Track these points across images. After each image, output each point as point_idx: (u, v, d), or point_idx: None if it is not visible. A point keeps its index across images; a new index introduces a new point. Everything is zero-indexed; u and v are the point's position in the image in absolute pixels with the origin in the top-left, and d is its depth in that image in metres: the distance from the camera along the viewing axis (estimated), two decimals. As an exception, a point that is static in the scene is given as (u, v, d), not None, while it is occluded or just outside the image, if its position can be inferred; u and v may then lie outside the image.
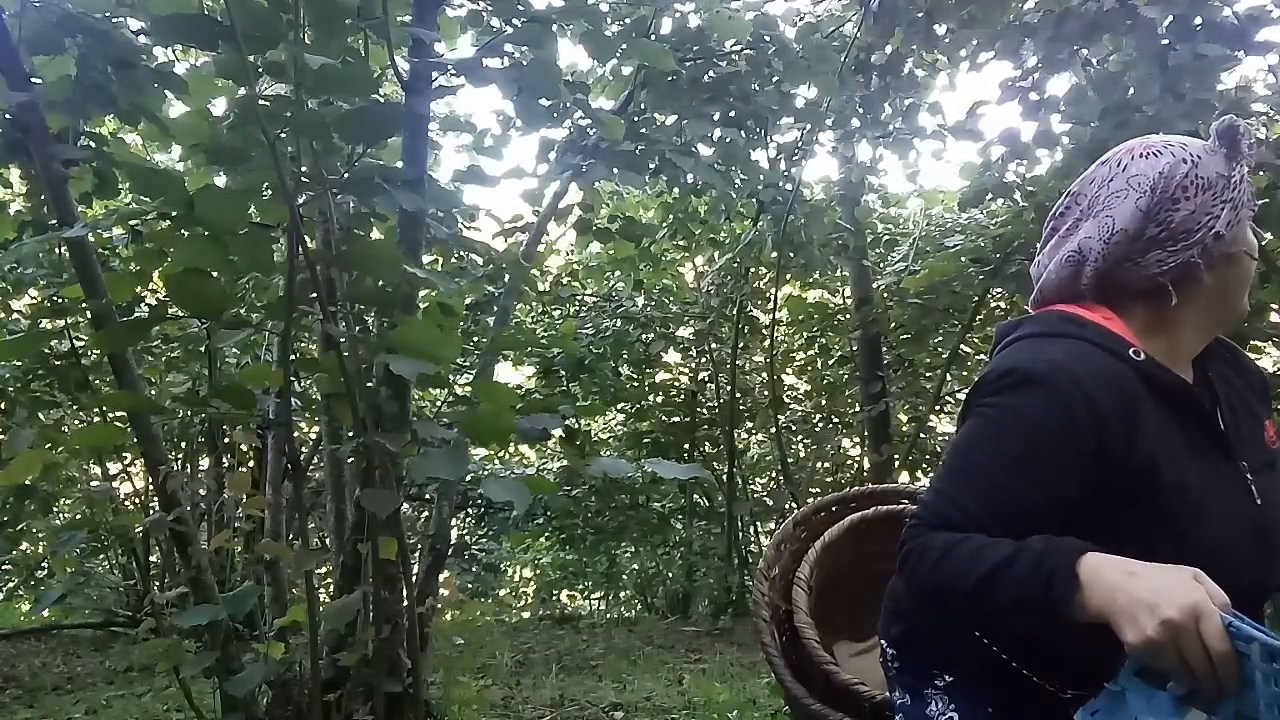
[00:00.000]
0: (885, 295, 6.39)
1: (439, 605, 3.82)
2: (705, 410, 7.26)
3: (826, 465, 7.28)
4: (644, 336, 6.67)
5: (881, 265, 6.80)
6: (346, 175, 2.09)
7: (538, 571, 8.65)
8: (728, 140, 4.55)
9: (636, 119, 4.21)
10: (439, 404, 4.44)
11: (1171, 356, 1.13)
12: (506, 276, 4.03)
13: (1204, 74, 3.49)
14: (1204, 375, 1.18)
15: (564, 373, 6.36)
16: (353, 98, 1.96)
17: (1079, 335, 1.09)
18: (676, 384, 7.35)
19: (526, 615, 7.68)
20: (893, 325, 6.44)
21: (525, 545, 8.49)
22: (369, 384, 2.49)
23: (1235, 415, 1.16)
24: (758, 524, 7.35)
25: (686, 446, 7.09)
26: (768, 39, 4.48)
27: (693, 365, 7.31)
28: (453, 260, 4.03)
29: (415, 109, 2.45)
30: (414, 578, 3.10)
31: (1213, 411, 1.13)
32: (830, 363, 7.36)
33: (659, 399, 7.28)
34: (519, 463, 7.61)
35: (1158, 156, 1.09)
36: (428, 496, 5.16)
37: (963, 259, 5.49)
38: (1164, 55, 3.49)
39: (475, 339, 4.97)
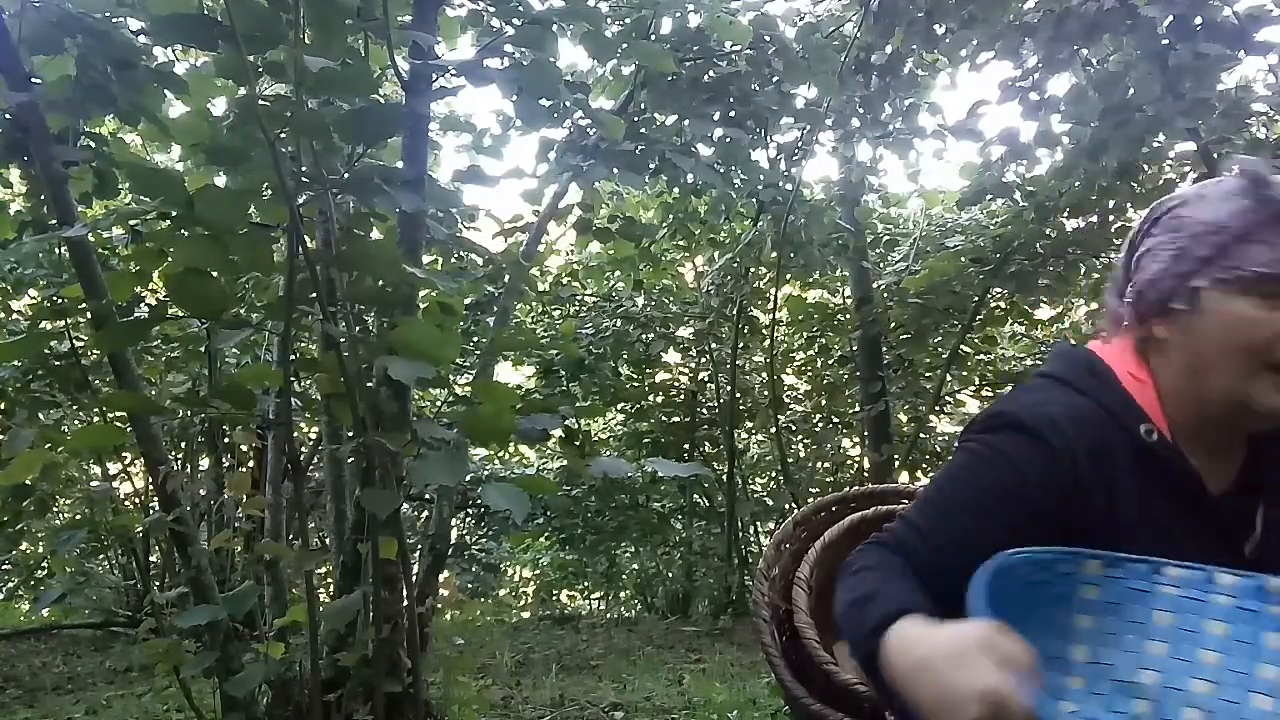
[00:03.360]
0: (885, 295, 6.39)
1: (439, 605, 3.82)
2: (705, 410, 7.26)
3: (826, 465, 7.28)
4: (644, 336, 6.67)
5: (881, 265, 6.80)
6: (346, 175, 2.09)
7: (537, 571, 8.64)
8: (728, 140, 4.55)
9: (636, 119, 4.21)
10: (439, 404, 4.44)
11: (1197, 432, 0.98)
12: (506, 276, 4.03)
13: (1204, 74, 3.49)
14: (1257, 474, 1.00)
15: (564, 373, 6.36)
16: (353, 98, 1.96)
17: (1093, 393, 0.99)
18: (676, 384, 7.35)
19: (526, 615, 7.68)
20: (893, 325, 6.44)
21: (525, 545, 8.48)
22: (369, 384, 2.49)
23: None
24: (758, 524, 7.34)
25: (686, 446, 7.08)
26: (768, 39, 4.48)
27: (693, 365, 7.31)
28: (452, 260, 4.03)
29: (415, 109, 2.44)
30: (414, 578, 3.10)
31: (1237, 524, 0.98)
32: (830, 363, 7.36)
33: (659, 399, 7.27)
34: (519, 463, 7.61)
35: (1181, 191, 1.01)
36: (428, 496, 5.16)
37: (962, 259, 5.49)
38: (1164, 55, 3.49)
39: (475, 339, 4.97)
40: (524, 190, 4.29)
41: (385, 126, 2.10)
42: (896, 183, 13.29)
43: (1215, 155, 3.88)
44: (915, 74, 5.57)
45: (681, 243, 6.68)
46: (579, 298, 6.97)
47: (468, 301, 3.93)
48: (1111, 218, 4.97)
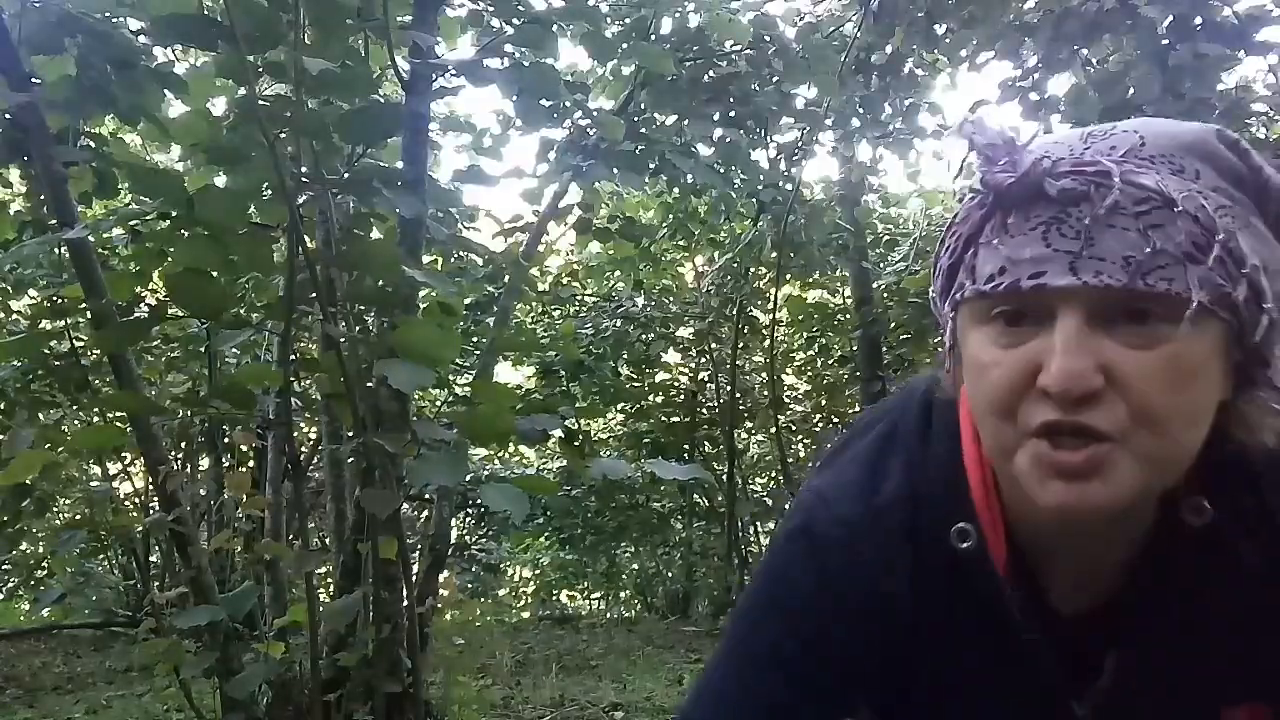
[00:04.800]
0: (885, 295, 6.40)
1: (439, 605, 3.82)
2: (705, 410, 7.26)
3: (826, 466, 7.28)
4: (644, 337, 6.67)
5: (881, 265, 6.80)
6: (346, 175, 2.09)
7: (538, 572, 8.65)
8: (727, 140, 4.55)
9: (636, 119, 4.21)
10: (439, 404, 4.44)
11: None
12: (506, 277, 4.03)
13: (1204, 74, 3.49)
14: (1148, 587, 0.67)
15: (564, 373, 6.36)
16: (352, 98, 1.97)
17: (916, 472, 0.71)
18: (676, 384, 7.35)
19: (526, 615, 7.68)
20: (893, 325, 6.44)
21: (525, 545, 8.49)
22: (369, 384, 2.49)
23: (1149, 686, 0.67)
24: (758, 524, 7.35)
25: (686, 447, 7.09)
26: (767, 39, 4.48)
27: (692, 365, 7.32)
28: (452, 260, 4.03)
29: (415, 109, 2.44)
30: (414, 578, 3.10)
31: (1081, 665, 0.68)
32: (830, 363, 7.36)
33: (659, 399, 7.28)
34: (519, 463, 7.61)
35: None
36: (428, 497, 5.17)
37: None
38: (1164, 55, 3.49)
39: (475, 339, 4.98)
40: (524, 190, 4.29)
41: (385, 127, 2.10)
42: (896, 182, 13.32)
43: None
44: (915, 74, 5.58)
45: (681, 243, 6.69)
46: (579, 298, 6.97)
47: (468, 302, 3.92)
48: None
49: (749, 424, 7.37)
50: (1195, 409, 0.58)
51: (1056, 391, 0.55)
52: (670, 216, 6.13)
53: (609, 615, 7.65)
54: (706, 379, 7.19)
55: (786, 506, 6.29)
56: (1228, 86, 3.92)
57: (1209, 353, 0.57)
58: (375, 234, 2.71)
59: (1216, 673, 0.67)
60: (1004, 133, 0.60)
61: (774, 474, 7.52)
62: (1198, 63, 3.42)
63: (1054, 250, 0.56)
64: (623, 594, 8.17)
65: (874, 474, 0.72)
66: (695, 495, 7.44)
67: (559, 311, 6.96)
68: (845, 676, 0.69)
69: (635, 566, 7.86)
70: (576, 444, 6.48)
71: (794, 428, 7.33)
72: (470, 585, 7.40)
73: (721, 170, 4.69)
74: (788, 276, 6.60)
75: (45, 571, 6.24)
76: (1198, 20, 3.46)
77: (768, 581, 0.74)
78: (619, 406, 7.23)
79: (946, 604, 0.68)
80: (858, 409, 6.72)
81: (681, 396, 7.27)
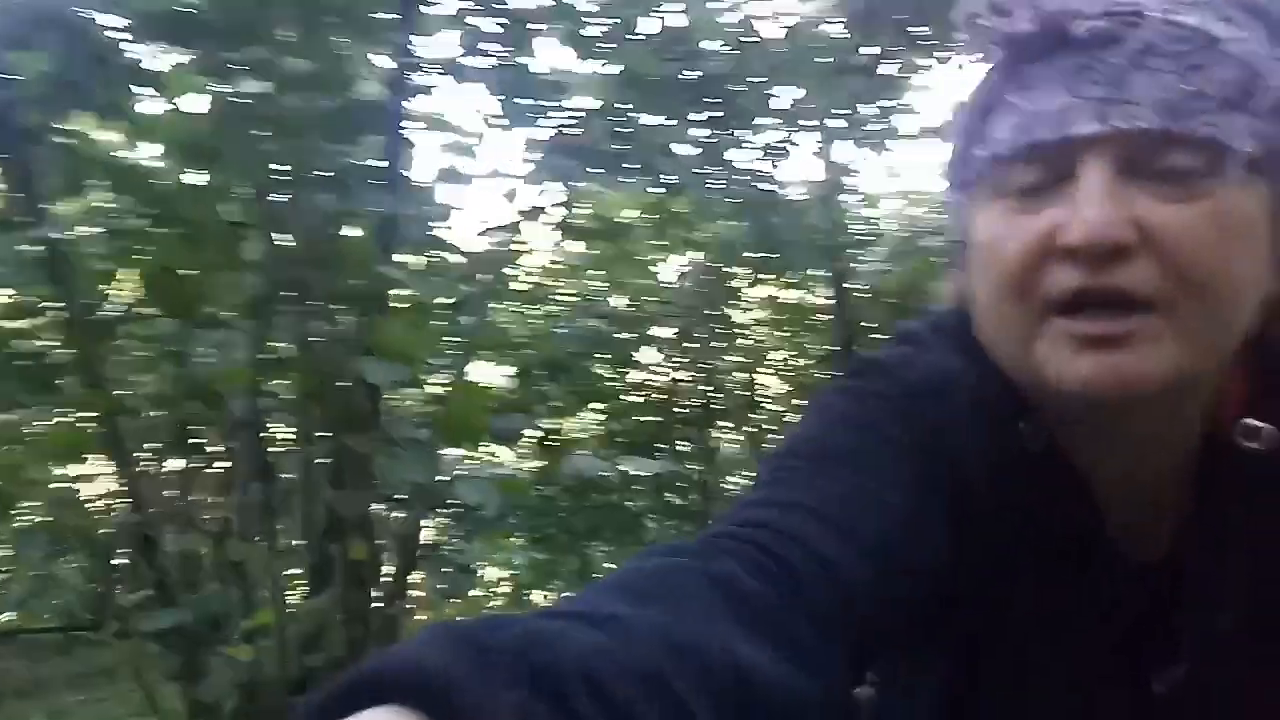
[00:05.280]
0: (863, 296, 6.43)
1: (410, 607, 3.78)
2: (681, 410, 7.27)
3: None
4: (622, 336, 6.66)
5: (859, 266, 6.83)
6: (324, 173, 2.06)
7: (511, 572, 8.61)
8: (709, 140, 4.54)
9: (618, 119, 4.19)
10: (412, 403, 4.40)
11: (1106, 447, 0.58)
12: (484, 276, 4.00)
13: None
14: (1209, 534, 0.59)
15: (540, 372, 6.33)
16: (332, 96, 1.94)
17: (973, 361, 0.61)
18: (652, 384, 7.35)
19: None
20: (869, 326, 6.48)
21: (498, 546, 8.45)
22: (341, 384, 2.46)
23: (1229, 616, 0.59)
24: (731, 523, 7.37)
25: (661, 446, 7.09)
26: (750, 39, 4.48)
27: (669, 365, 7.31)
28: (430, 260, 3.99)
29: (394, 107, 2.41)
30: (385, 579, 3.07)
31: (1153, 627, 0.60)
32: (807, 363, 7.38)
33: (634, 399, 7.27)
34: (493, 463, 7.57)
35: None
36: (399, 497, 5.12)
37: (938, 260, 5.53)
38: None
39: (451, 338, 4.92)
40: (504, 190, 4.26)
41: (364, 124, 2.07)
42: (875, 183, 13.35)
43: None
44: (896, 75, 5.60)
45: (661, 242, 6.67)
46: (557, 297, 6.95)
47: (444, 301, 3.89)
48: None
49: (724, 424, 7.38)
50: (1241, 279, 0.51)
51: (1084, 245, 0.48)
52: (649, 216, 6.12)
53: (583, 615, 7.64)
54: (683, 379, 7.19)
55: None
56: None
57: (1255, 218, 0.50)
58: (352, 232, 2.68)
59: (1273, 637, 0.59)
60: None
61: (749, 474, 7.54)
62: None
63: (1081, 99, 0.49)
64: (596, 593, 8.16)
65: (938, 360, 0.62)
66: (669, 495, 7.44)
67: (536, 311, 6.92)
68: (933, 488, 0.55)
69: (608, 565, 7.85)
70: (551, 443, 6.46)
71: (770, 428, 7.35)
72: (442, 586, 7.35)
73: (702, 170, 4.68)
74: (766, 277, 6.61)
75: (6, 574, 6.11)
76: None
77: (846, 404, 0.62)
78: (594, 406, 7.22)
79: (1021, 509, 0.58)
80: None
81: (657, 396, 7.27)
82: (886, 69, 5.49)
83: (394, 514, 5.76)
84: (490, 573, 9.32)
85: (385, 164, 2.47)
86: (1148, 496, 0.59)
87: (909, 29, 5.28)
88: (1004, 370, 0.57)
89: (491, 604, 8.60)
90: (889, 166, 9.33)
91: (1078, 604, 0.60)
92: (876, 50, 5.27)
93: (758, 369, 7.43)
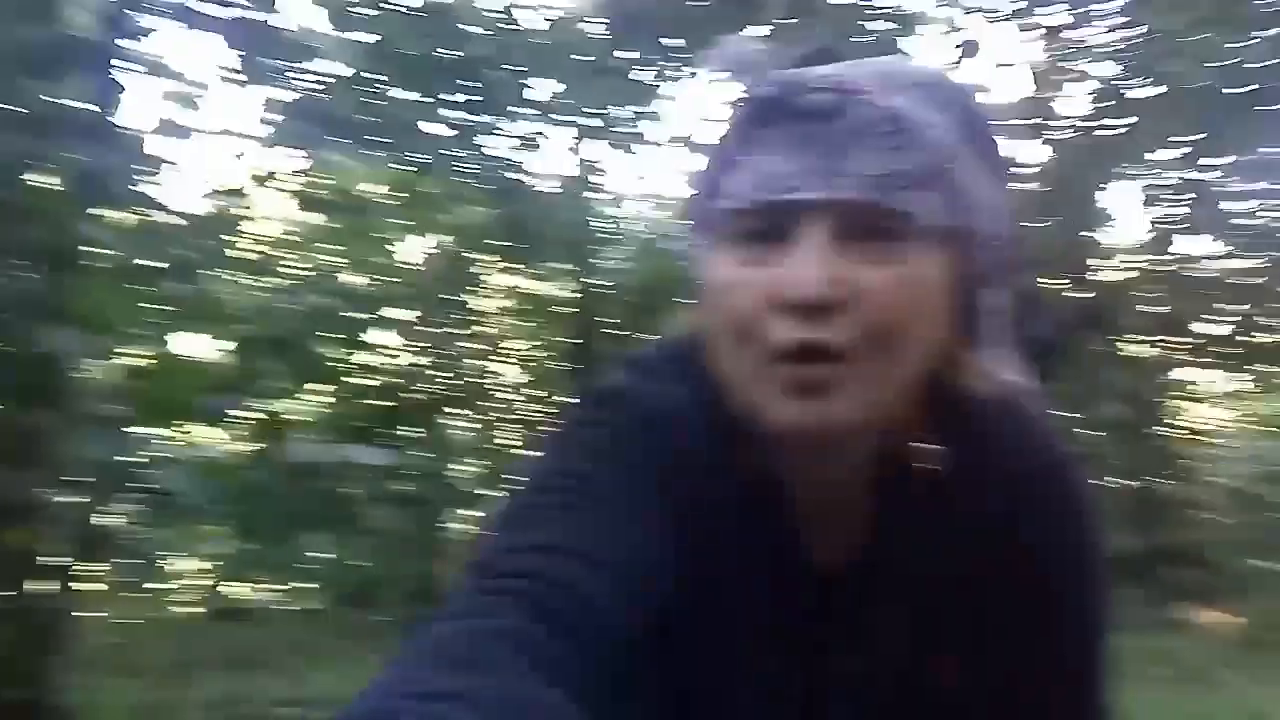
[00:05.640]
0: (604, 292, 6.62)
1: (88, 600, 3.39)
2: (414, 395, 7.09)
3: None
4: (353, 315, 6.37)
5: (602, 263, 7.02)
6: (16, 110, 1.78)
7: (209, 564, 7.96)
8: (462, 123, 4.47)
9: (368, 90, 4.00)
10: (106, 376, 3.92)
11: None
12: (202, 241, 3.66)
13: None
14: (903, 508, 0.67)
15: (261, 348, 5.89)
16: (33, 24, 1.67)
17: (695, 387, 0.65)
18: (385, 366, 7.10)
19: (193, 611, 7.05)
20: (609, 321, 6.69)
21: (197, 534, 7.77)
22: (22, 350, 2.16)
23: (895, 613, 0.68)
24: (460, 512, 7.31)
25: (391, 431, 6.87)
26: (511, 27, 4.46)
27: (405, 348, 7.11)
28: (139, 218, 3.58)
29: (108, 46, 2.14)
30: (56, 571, 2.74)
31: (839, 627, 0.69)
32: (547, 354, 7.48)
33: (365, 381, 6.99)
34: (198, 444, 6.94)
35: None
36: (81, 479, 4.55)
37: (680, 264, 5.82)
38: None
39: (160, 306, 4.44)
40: (236, 150, 3.92)
41: (70, 61, 1.82)
42: (622, 184, 13.77)
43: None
44: (648, 83, 5.82)
45: (405, 222, 6.46)
46: (286, 269, 6.50)
47: (156, 265, 3.50)
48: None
49: (459, 411, 7.31)
50: (923, 332, 0.59)
51: (799, 300, 0.55)
52: (396, 194, 5.91)
53: (289, 608, 7.23)
54: (418, 363, 7.02)
55: (493, 494, 6.30)
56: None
57: (938, 280, 0.58)
58: (45, 180, 2.33)
59: (934, 624, 0.68)
60: (760, 53, 0.61)
61: (482, 461, 7.52)
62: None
63: (805, 165, 0.57)
64: (307, 585, 7.75)
65: (668, 389, 0.67)
66: (395, 482, 7.24)
67: (262, 282, 6.44)
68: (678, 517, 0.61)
69: (323, 556, 7.48)
70: (269, 425, 6.03)
71: (505, 416, 7.38)
72: (127, 579, 6.64)
73: (454, 153, 4.59)
74: (510, 266, 6.61)
75: None
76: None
77: (587, 438, 0.65)
78: (320, 387, 6.85)
79: (731, 530, 0.65)
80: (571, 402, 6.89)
81: (389, 380, 7.04)
82: (640, 74, 5.69)
83: (71, 498, 5.12)
84: (190, 564, 8.56)
85: (92, 107, 2.18)
86: (841, 511, 0.67)
87: (665, 40, 5.51)
88: (727, 401, 0.62)
89: (183, 598, 7.90)
90: (636, 169, 9.74)
91: (777, 606, 0.67)
92: (634, 55, 5.44)
93: (494, 357, 7.42)
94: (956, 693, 0.70)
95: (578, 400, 0.72)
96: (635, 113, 5.81)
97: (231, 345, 5.97)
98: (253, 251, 5.89)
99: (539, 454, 0.67)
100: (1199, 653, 2.70)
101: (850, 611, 0.69)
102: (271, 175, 3.89)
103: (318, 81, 3.41)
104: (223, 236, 3.63)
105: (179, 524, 7.26)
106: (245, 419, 5.63)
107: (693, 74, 5.80)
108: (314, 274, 6.52)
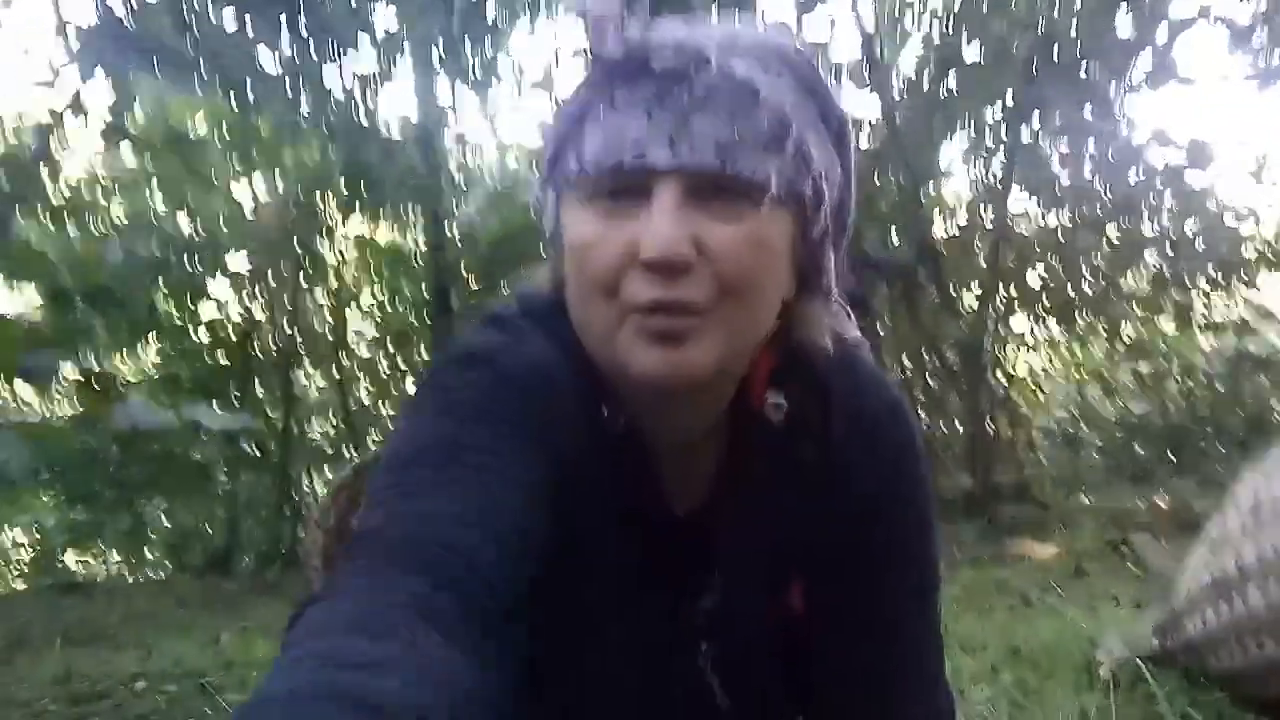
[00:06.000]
0: (459, 242, 6.45)
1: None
2: (260, 351, 6.74)
3: (392, 412, 7.20)
4: (188, 265, 5.97)
5: (456, 211, 6.83)
6: None
7: (37, 535, 7.40)
8: (296, 59, 4.19)
9: (187, 13, 3.68)
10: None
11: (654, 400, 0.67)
12: (6, 181, 3.31)
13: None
14: (746, 470, 0.72)
15: (81, 302, 5.44)
16: None
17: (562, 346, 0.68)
18: (227, 320, 6.70)
19: (22, 585, 6.56)
20: (466, 272, 6.54)
21: (22, 504, 7.20)
22: None
23: (749, 552, 0.73)
24: (314, 472, 7.05)
25: (237, 390, 6.52)
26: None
27: (247, 301, 6.72)
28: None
29: None
30: None
31: (696, 569, 0.73)
32: (400, 307, 7.25)
33: (205, 337, 6.59)
34: (17, 409, 6.40)
35: None
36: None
37: (534, 212, 5.73)
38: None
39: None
40: (35, 79, 3.54)
41: None
42: (475, 130, 13.39)
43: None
44: (499, 21, 5.63)
45: (238, 165, 6.06)
46: (106, 214, 6.00)
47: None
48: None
49: (309, 367, 7.01)
50: (769, 286, 0.63)
51: (654, 260, 0.58)
52: (225, 132, 5.51)
53: (131, 579, 6.85)
54: (262, 317, 6.66)
55: (348, 453, 6.11)
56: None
57: (782, 239, 0.63)
58: None
59: (784, 559, 0.74)
60: (616, 6, 0.61)
61: (335, 419, 7.26)
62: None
63: (655, 129, 0.59)
64: (150, 554, 7.34)
65: (531, 343, 0.68)
66: (244, 443, 6.91)
67: (78, 228, 5.92)
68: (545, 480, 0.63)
69: (168, 523, 7.09)
70: (97, 386, 5.60)
71: (358, 371, 7.13)
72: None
73: (289, 90, 4.31)
74: (357, 213, 6.34)
75: None
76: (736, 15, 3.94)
77: (460, 398, 0.65)
78: (154, 344, 6.41)
79: (597, 482, 0.68)
80: (427, 355, 6.73)
81: (233, 335, 6.66)
82: (491, 13, 5.49)
83: None
84: (17, 535, 7.94)
85: None
86: (694, 459, 0.72)
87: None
88: (590, 357, 0.66)
89: (13, 572, 7.35)
90: (491, 116, 9.46)
91: (638, 551, 0.71)
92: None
93: (346, 310, 7.14)
94: (805, 621, 0.76)
95: (442, 360, 0.72)
96: (488, 53, 5.62)
97: (49, 296, 5.49)
98: (66, 193, 5.41)
99: (410, 416, 0.67)
100: (1030, 581, 2.96)
101: (705, 552, 0.73)
102: (81, 107, 3.54)
103: (125, 3, 3.11)
104: (31, 177, 3.30)
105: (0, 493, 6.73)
106: (68, 379, 5.21)
107: (548, 14, 5.67)
108: (139, 219, 6.05)
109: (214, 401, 6.06)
